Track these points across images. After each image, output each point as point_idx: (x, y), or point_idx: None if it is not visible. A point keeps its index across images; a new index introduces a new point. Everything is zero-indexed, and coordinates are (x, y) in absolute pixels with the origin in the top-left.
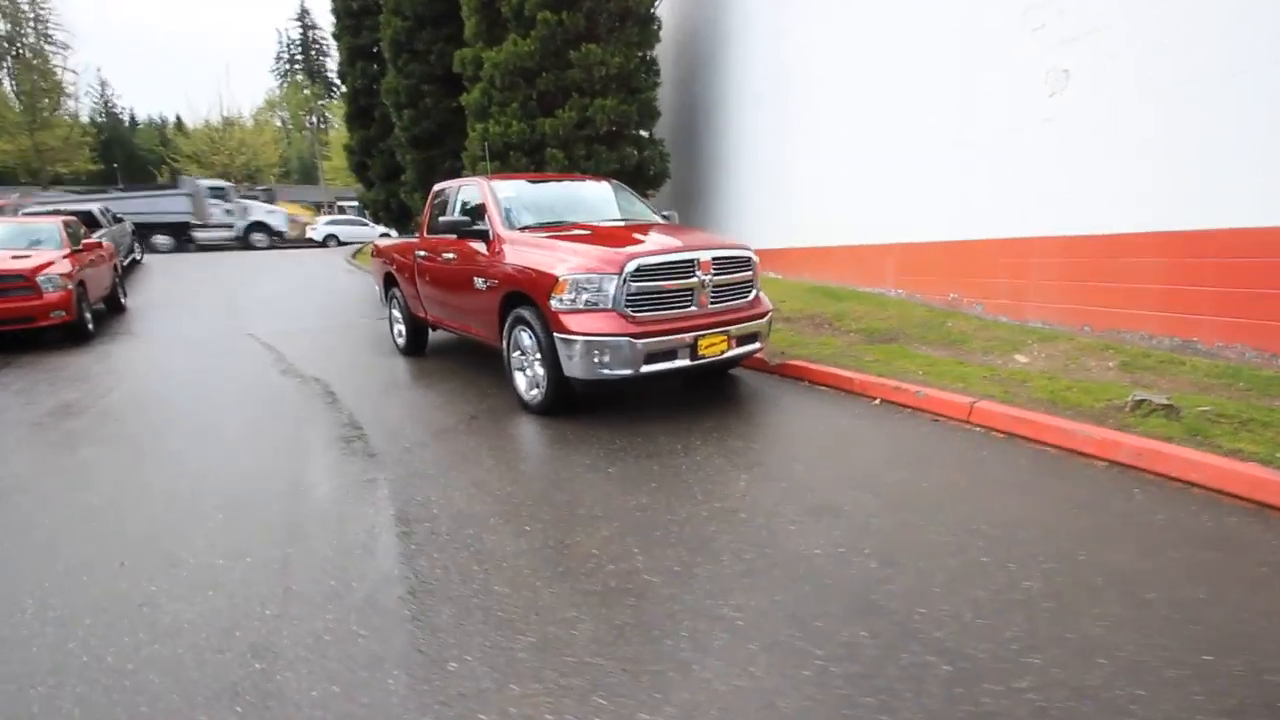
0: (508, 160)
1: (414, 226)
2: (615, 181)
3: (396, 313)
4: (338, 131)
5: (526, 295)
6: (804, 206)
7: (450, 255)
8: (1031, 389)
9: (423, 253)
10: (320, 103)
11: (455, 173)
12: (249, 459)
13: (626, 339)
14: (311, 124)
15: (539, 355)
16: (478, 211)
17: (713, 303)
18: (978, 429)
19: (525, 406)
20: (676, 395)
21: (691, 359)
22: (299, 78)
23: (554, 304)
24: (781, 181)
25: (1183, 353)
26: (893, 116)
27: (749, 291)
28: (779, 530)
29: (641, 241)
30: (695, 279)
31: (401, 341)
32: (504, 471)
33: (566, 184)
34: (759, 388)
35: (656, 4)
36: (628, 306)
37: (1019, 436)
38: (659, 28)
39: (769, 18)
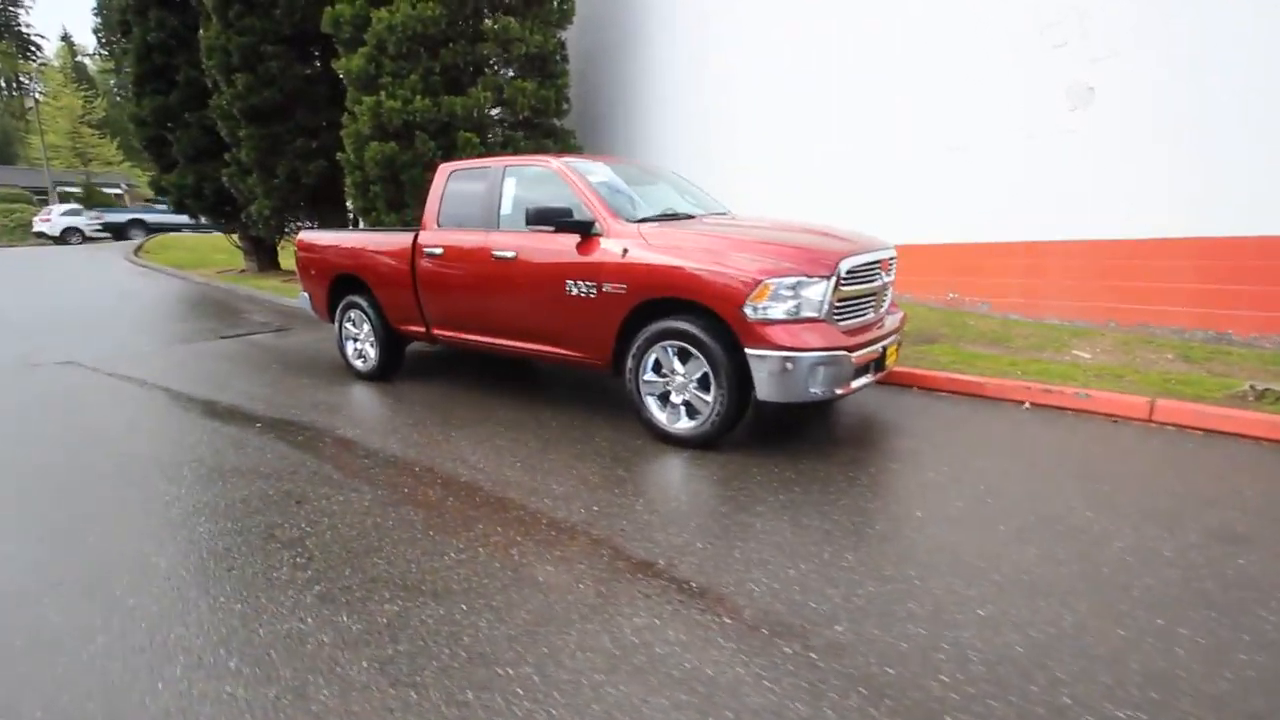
0: (412, 141)
1: (250, 222)
2: (664, 167)
3: (352, 328)
4: (55, 99)
5: (689, 303)
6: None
7: (506, 254)
8: (1132, 383)
9: (436, 249)
10: (39, 65)
11: (311, 153)
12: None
13: (844, 353)
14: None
15: (705, 375)
16: (558, 199)
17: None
18: (1169, 428)
19: (665, 439)
20: (786, 413)
21: (875, 372)
22: None
23: (748, 313)
24: (722, 183)
25: (1220, 344)
26: (878, 122)
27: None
28: (1247, 570)
29: (812, 235)
30: (879, 281)
31: (364, 364)
32: (851, 540)
33: (627, 167)
34: (871, 398)
35: None
36: (834, 314)
37: (1218, 433)
38: (570, 8)
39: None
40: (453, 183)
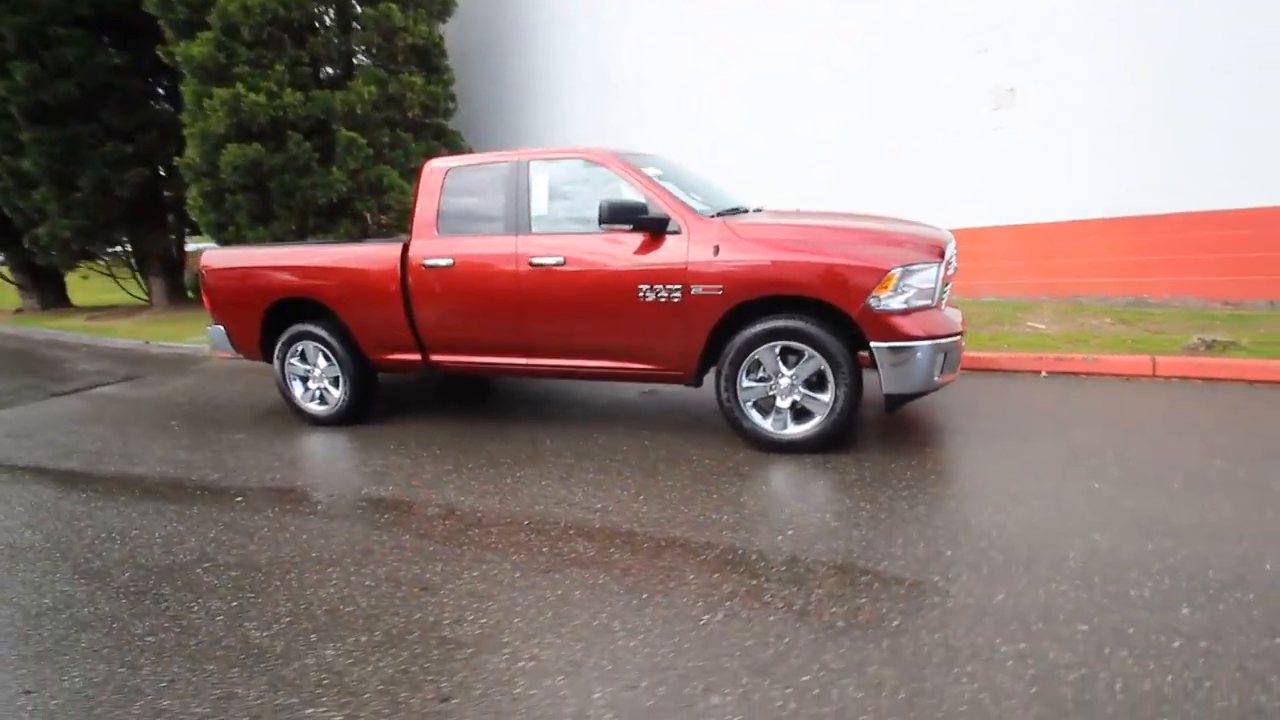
0: (282, 142)
1: (40, 248)
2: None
3: (301, 364)
4: None
5: (798, 299)
6: None
7: (549, 260)
8: (1099, 344)
9: (441, 260)
10: None
11: (126, 160)
12: None
13: (960, 338)
14: None
15: (817, 375)
16: (616, 195)
17: None
18: (1174, 380)
19: (772, 447)
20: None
21: None
22: None
23: (873, 304)
24: None
25: (1140, 307)
26: (809, 116)
27: None
28: None
29: (896, 222)
30: (954, 267)
31: (324, 407)
32: (1088, 529)
33: (651, 156)
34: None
35: None
36: (941, 300)
37: (1215, 380)
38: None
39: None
40: (454, 182)
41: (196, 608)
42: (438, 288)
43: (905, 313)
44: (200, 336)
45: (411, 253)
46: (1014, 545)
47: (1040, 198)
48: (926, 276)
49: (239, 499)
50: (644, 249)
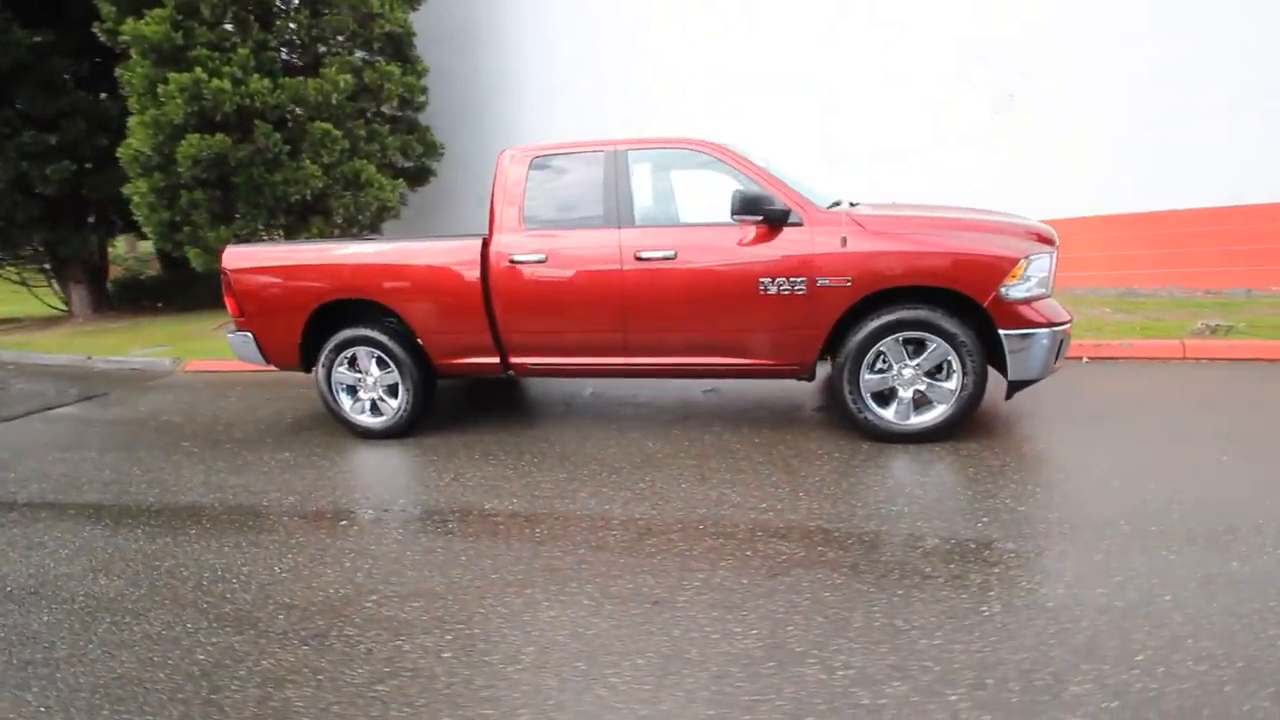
0: (248, 133)
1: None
2: None
3: (349, 372)
4: None
5: (925, 290)
6: None
7: (658, 254)
8: (1112, 331)
9: (532, 256)
10: None
11: (49, 152)
12: None
13: (1070, 325)
14: None
15: (941, 364)
16: (730, 186)
17: None
18: (1203, 361)
19: (889, 438)
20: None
21: None
22: None
23: (1004, 293)
24: None
25: (1131, 297)
26: (825, 118)
27: None
28: None
29: (995, 213)
30: None
31: (379, 419)
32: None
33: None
34: None
35: None
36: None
37: (1242, 360)
38: None
39: None
40: (540, 172)
41: (407, 646)
42: (527, 285)
43: (1028, 301)
44: (144, 350)
45: (494, 248)
46: (1202, 517)
47: (1035, 195)
48: (1043, 265)
49: (344, 523)
50: (760, 240)
